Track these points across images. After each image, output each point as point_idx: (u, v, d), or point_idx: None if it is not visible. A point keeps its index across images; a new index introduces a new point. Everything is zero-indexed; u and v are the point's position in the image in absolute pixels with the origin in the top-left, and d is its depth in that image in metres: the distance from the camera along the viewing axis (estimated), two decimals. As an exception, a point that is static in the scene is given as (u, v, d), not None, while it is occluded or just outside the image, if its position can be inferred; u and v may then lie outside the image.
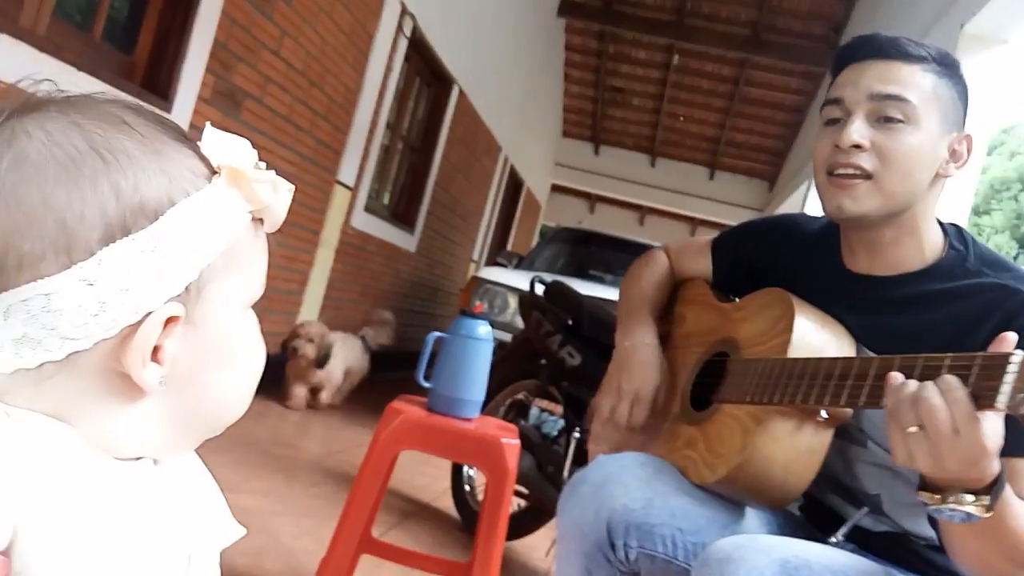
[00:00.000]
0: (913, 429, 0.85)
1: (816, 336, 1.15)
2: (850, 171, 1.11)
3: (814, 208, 7.56)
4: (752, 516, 1.22)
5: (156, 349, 0.48)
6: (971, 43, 3.88)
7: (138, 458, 0.52)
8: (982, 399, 0.83)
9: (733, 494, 1.18)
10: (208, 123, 0.54)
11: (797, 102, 10.20)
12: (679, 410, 1.34)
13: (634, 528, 1.11)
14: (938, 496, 0.88)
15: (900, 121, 1.10)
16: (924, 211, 1.15)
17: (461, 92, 6.73)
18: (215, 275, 0.50)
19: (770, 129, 11.02)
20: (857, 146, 1.10)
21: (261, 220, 0.54)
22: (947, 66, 1.13)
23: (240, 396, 0.55)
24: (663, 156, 12.22)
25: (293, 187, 0.55)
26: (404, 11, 5.08)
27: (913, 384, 0.87)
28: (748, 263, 1.39)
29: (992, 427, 0.84)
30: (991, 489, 0.87)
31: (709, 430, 1.23)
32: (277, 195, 0.53)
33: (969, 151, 1.15)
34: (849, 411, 1.10)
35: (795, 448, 1.11)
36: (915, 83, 1.10)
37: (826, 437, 1.12)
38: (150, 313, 0.47)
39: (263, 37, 3.65)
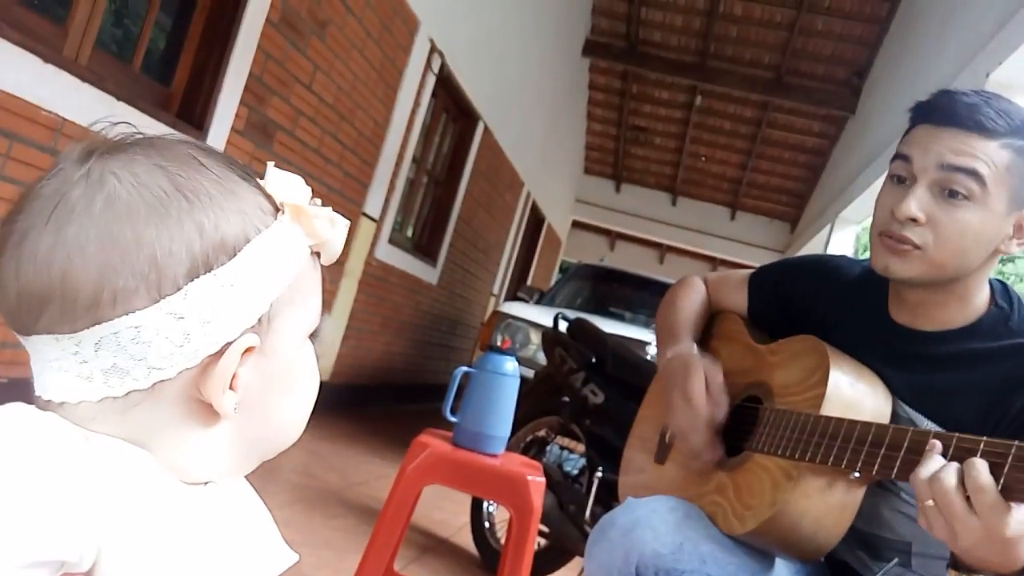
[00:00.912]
0: (929, 503, 0.88)
1: (850, 391, 1.14)
2: (903, 242, 1.09)
3: (834, 250, 7.54)
4: (781, 565, 1.21)
5: (232, 377, 0.51)
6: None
7: (205, 483, 0.54)
8: (1015, 491, 0.83)
9: (762, 546, 1.17)
10: (271, 164, 0.57)
11: (819, 145, 10.22)
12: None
13: (663, 573, 1.10)
14: None
15: (965, 197, 1.06)
16: (977, 279, 1.14)
17: (486, 128, 6.81)
18: (283, 307, 0.53)
19: (792, 171, 11.03)
20: (913, 219, 1.08)
21: (318, 254, 0.56)
22: None
23: (299, 421, 0.58)
24: (684, 195, 12.24)
25: (348, 222, 0.57)
26: (433, 48, 5.17)
27: (937, 462, 0.88)
28: (786, 301, 1.37)
29: (1022, 518, 0.84)
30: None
31: (739, 479, 1.22)
32: (334, 230, 0.56)
33: None
34: None
35: (826, 504, 1.10)
36: (989, 159, 1.05)
37: (858, 494, 1.11)
38: (230, 343, 0.50)
39: (296, 71, 3.73)
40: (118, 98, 2.66)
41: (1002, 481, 0.83)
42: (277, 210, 0.54)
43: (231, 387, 0.51)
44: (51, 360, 0.48)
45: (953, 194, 1.07)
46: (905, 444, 0.95)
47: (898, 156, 1.13)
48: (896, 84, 6.75)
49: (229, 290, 0.49)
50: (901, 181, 1.12)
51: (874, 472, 0.98)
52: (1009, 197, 1.07)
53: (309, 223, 0.54)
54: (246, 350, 0.51)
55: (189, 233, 0.48)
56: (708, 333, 1.50)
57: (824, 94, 9.02)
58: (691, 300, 1.49)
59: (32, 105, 2.36)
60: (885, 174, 1.19)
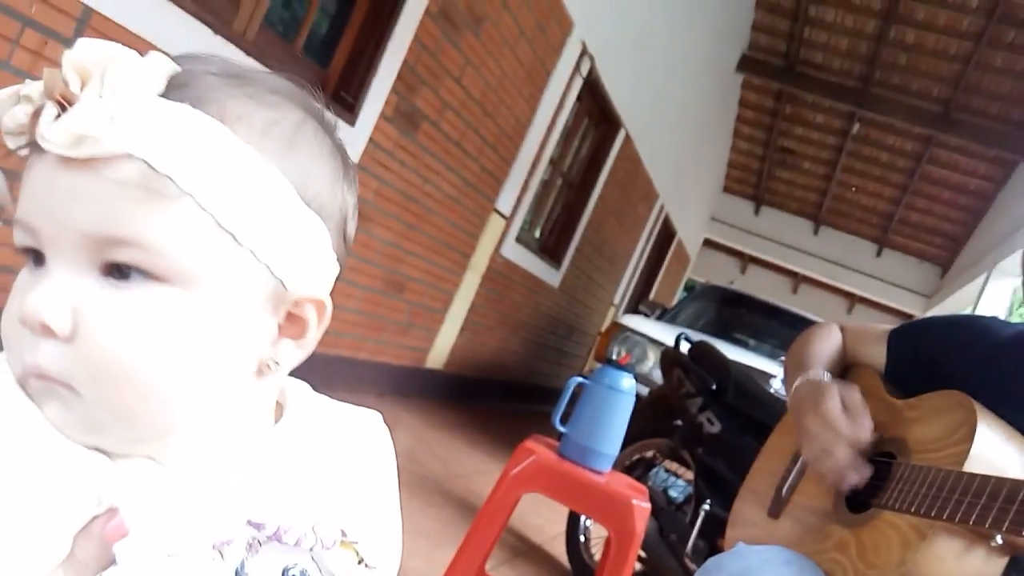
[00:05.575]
0: None
1: (999, 450, 1.05)
2: None
3: (988, 300, 7.01)
4: (902, 639, 1.10)
5: None
6: None
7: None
8: None
9: (883, 611, 1.07)
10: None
11: (983, 188, 9.53)
12: (832, 508, 1.24)
13: (770, 630, 1.03)
14: None
15: None
16: None
17: (627, 136, 6.72)
18: None
19: (950, 213, 10.36)
20: None
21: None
22: None
23: None
24: (828, 225, 11.72)
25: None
26: (584, 51, 5.14)
27: None
28: (928, 360, 1.28)
29: None
30: None
31: (864, 536, 1.13)
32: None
33: None
34: None
35: (961, 572, 1.00)
36: None
37: (998, 566, 1.01)
38: None
39: (448, 64, 3.78)
40: (278, 74, 2.77)
41: None
42: None
43: None
44: None
45: None
46: None
47: None
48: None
49: None
50: None
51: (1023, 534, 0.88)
52: None
53: None
54: None
55: None
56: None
57: (995, 134, 8.40)
58: (827, 342, 1.43)
59: (200, 74, 2.49)
60: None
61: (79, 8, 2.12)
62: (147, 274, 0.42)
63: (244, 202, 0.43)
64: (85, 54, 0.41)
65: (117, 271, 0.42)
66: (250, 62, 2.66)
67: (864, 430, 1.18)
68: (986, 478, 0.96)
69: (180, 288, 0.43)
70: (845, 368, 1.44)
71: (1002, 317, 1.33)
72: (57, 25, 2.10)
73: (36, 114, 0.41)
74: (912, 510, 1.04)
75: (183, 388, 0.44)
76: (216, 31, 2.49)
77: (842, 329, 1.47)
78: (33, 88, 0.41)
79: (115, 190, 0.40)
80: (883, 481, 1.17)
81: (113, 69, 0.41)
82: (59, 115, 0.40)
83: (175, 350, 0.43)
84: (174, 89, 0.43)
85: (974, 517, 0.94)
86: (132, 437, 0.45)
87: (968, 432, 1.06)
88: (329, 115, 0.52)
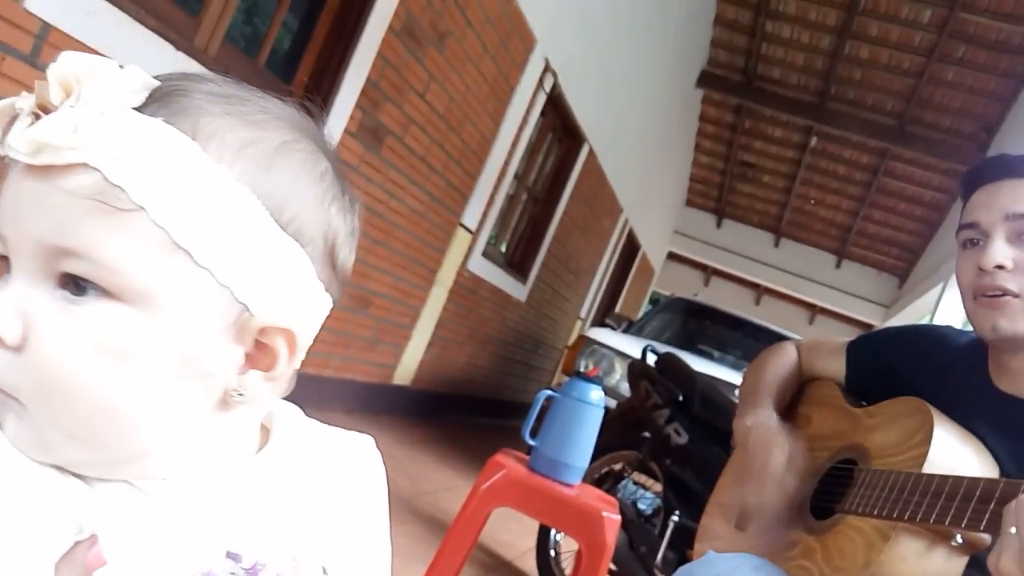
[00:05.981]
0: (1012, 530, 0.84)
1: (955, 452, 1.09)
2: (997, 292, 1.08)
3: (945, 310, 7.16)
4: (870, 641, 1.12)
5: None
6: None
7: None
8: None
9: (850, 615, 1.09)
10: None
11: (938, 199, 9.76)
12: (798, 516, 1.26)
13: (741, 636, 1.04)
14: None
15: None
16: None
17: (591, 151, 6.78)
18: None
19: (906, 224, 10.58)
20: (1000, 266, 1.08)
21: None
22: None
23: None
24: (789, 237, 11.90)
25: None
26: (547, 67, 5.18)
27: None
28: (886, 369, 1.32)
29: None
30: None
31: (829, 541, 1.15)
32: None
33: None
34: (987, 539, 1.01)
35: (923, 572, 1.03)
36: None
37: (959, 565, 1.04)
38: None
39: (412, 80, 3.79)
40: (241, 91, 2.75)
41: None
42: None
43: None
44: None
45: None
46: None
47: (963, 227, 1.15)
48: (1030, 142, 6.38)
49: None
50: (974, 244, 1.13)
51: (982, 528, 0.92)
52: None
53: None
54: None
55: None
56: (799, 399, 1.45)
57: (948, 147, 8.62)
58: (779, 365, 1.46)
59: (161, 91, 2.47)
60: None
61: (37, 24, 2.09)
62: (102, 290, 0.41)
63: (203, 219, 0.42)
64: (67, 66, 0.41)
65: (74, 285, 0.42)
66: (212, 78, 2.65)
67: (805, 485, 1.27)
68: (944, 478, 0.99)
69: (132, 306, 0.42)
70: (803, 384, 1.47)
71: (958, 326, 1.39)
72: (15, 41, 2.06)
73: (11, 122, 0.41)
74: (875, 513, 1.07)
75: (137, 411, 0.43)
76: (178, 47, 2.47)
77: (798, 347, 1.49)
78: (27, 101, 0.41)
79: (67, 199, 0.40)
80: (846, 487, 1.19)
81: (90, 81, 0.41)
82: (31, 124, 0.40)
83: (124, 371, 0.42)
84: (154, 103, 0.43)
85: (934, 516, 0.97)
86: (93, 459, 0.43)
87: (925, 436, 1.10)
88: (330, 140, 0.51)
